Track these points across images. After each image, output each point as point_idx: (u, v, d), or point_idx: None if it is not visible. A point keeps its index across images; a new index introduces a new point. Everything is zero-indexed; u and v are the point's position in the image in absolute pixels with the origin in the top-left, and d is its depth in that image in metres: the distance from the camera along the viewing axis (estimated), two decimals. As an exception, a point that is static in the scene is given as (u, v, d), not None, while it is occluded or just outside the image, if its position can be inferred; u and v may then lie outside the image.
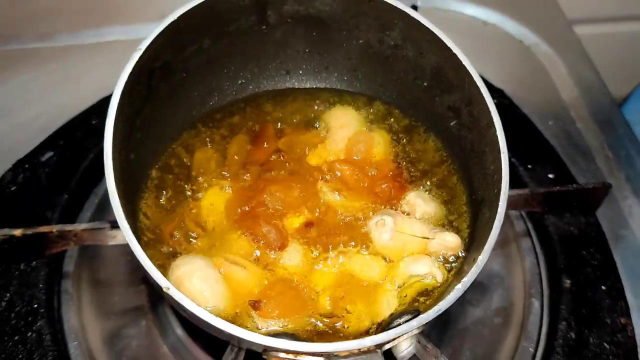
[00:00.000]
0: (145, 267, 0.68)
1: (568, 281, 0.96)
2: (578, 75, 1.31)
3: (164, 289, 0.66)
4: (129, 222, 0.70)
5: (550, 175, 1.09)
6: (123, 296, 0.97)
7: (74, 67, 1.27)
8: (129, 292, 0.98)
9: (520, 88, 1.26)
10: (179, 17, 0.82)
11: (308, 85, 1.05)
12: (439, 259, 0.84)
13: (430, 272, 0.83)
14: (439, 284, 0.82)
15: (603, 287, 0.96)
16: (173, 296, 0.66)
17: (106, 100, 1.13)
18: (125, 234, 0.70)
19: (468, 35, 1.38)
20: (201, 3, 0.83)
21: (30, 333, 0.86)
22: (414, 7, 1.20)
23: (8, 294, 0.89)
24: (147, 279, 0.97)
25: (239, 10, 0.90)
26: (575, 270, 0.97)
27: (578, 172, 1.13)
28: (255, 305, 0.78)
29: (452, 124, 0.93)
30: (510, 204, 0.95)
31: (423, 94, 0.95)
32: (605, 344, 0.89)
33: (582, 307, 0.93)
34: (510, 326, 0.96)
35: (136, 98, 0.81)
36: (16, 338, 0.85)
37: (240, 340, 0.67)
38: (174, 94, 0.91)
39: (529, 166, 1.09)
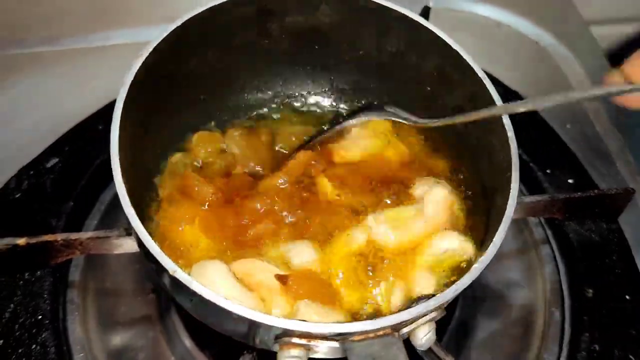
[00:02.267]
0: (153, 252, 0.66)
1: (590, 290, 0.92)
2: (596, 77, 1.27)
3: (171, 272, 0.64)
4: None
5: (570, 180, 1.06)
6: (130, 306, 0.95)
7: (80, 71, 1.24)
8: (136, 302, 0.95)
9: (537, 90, 1.23)
10: (180, 25, 0.83)
11: (312, 101, 1.05)
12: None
13: (459, 247, 0.81)
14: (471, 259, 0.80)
15: (627, 297, 0.92)
16: (181, 279, 0.64)
17: (112, 105, 1.12)
18: (131, 219, 0.69)
19: (482, 36, 1.35)
20: (203, 11, 0.84)
21: (34, 345, 0.83)
22: (427, 8, 1.17)
23: (12, 305, 0.87)
24: (155, 287, 0.95)
25: (241, 21, 0.90)
26: (598, 279, 0.94)
27: (598, 176, 1.09)
28: (282, 279, 0.76)
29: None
30: (530, 211, 0.92)
31: (428, 99, 0.94)
32: (632, 357, 0.86)
33: (605, 318, 0.90)
34: (531, 337, 0.93)
35: (142, 104, 0.81)
36: (20, 351, 0.83)
37: (254, 326, 0.65)
38: (179, 105, 0.91)
39: (548, 171, 1.06)
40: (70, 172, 1.02)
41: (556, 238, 1.03)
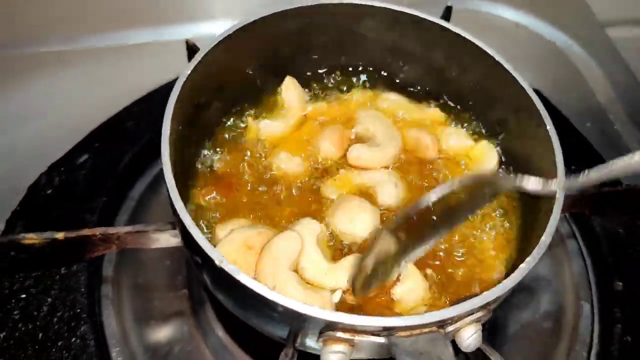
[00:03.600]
0: (199, 242, 0.66)
1: (620, 283, 0.94)
2: (613, 77, 1.29)
3: (217, 262, 0.64)
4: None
5: (595, 177, 1.07)
6: (163, 301, 0.95)
7: (104, 69, 1.25)
8: (169, 297, 0.95)
9: (556, 90, 1.24)
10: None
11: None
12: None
13: None
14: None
15: (656, 290, 0.94)
16: (226, 269, 0.63)
17: (138, 103, 1.14)
18: (179, 210, 0.68)
19: (500, 37, 1.35)
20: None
21: (74, 339, 0.84)
22: (449, 8, 1.18)
23: (49, 299, 0.87)
24: (189, 283, 0.95)
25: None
26: (626, 272, 0.95)
27: (621, 173, 1.10)
28: None
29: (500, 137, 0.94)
30: (560, 206, 0.93)
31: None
32: (664, 348, 0.87)
33: (636, 310, 0.91)
34: (561, 331, 0.94)
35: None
36: (60, 344, 0.83)
37: (298, 320, 0.65)
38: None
39: (573, 167, 1.07)
40: (100, 168, 1.03)
41: (582, 233, 1.04)
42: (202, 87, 0.85)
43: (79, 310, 0.86)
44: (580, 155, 1.11)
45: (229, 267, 0.64)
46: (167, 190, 0.69)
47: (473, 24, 1.34)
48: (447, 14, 1.18)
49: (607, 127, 1.21)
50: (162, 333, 0.92)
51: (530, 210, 0.83)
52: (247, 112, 0.95)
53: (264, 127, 0.92)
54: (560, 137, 1.08)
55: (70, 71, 1.24)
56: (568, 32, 1.37)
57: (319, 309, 0.63)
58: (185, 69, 0.81)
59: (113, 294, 0.93)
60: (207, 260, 0.65)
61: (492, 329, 0.94)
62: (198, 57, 0.83)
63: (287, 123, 0.93)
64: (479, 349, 0.78)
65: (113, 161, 1.04)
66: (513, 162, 0.91)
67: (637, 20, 1.48)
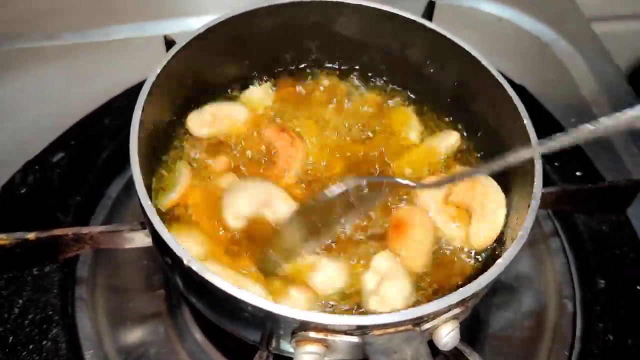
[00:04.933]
0: (167, 242, 0.64)
1: (602, 281, 0.93)
2: (598, 71, 1.28)
3: (185, 262, 0.63)
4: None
5: (578, 173, 1.06)
6: (139, 302, 0.93)
7: (82, 66, 1.23)
8: (145, 297, 0.94)
9: (540, 85, 1.23)
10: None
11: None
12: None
13: None
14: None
15: (638, 287, 0.93)
16: (195, 270, 0.62)
17: (116, 100, 1.12)
18: (147, 210, 0.67)
19: (484, 32, 1.36)
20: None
21: (45, 341, 0.82)
22: (432, 3, 1.17)
23: (21, 300, 0.85)
24: (165, 283, 0.94)
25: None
26: (609, 270, 0.94)
27: (604, 169, 1.09)
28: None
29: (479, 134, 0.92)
30: (540, 203, 0.91)
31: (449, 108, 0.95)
32: (646, 347, 0.86)
33: (618, 308, 0.90)
34: (543, 329, 0.93)
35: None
36: (31, 347, 0.81)
37: (270, 321, 0.63)
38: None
39: (556, 164, 1.06)
40: (76, 166, 1.01)
41: (565, 230, 1.03)
42: (176, 82, 0.84)
43: (51, 312, 0.85)
44: (563, 151, 1.09)
45: (196, 266, 0.62)
46: (135, 188, 0.68)
47: (456, 19, 1.35)
48: (429, 10, 1.17)
49: (592, 122, 1.19)
50: (138, 335, 0.90)
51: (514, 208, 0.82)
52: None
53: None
54: (543, 132, 1.07)
55: (49, 67, 1.22)
56: (553, 26, 1.36)
57: (289, 308, 0.61)
58: (157, 64, 0.79)
59: (87, 295, 0.91)
60: (176, 260, 0.64)
61: (474, 328, 0.93)
62: (171, 52, 0.82)
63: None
64: (457, 350, 0.77)
65: (89, 159, 1.02)
66: (491, 157, 0.89)
67: (622, 15, 1.48)
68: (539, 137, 0.78)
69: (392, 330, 0.63)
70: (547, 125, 1.14)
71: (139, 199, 0.68)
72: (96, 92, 1.13)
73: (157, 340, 0.89)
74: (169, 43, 1.02)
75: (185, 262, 0.63)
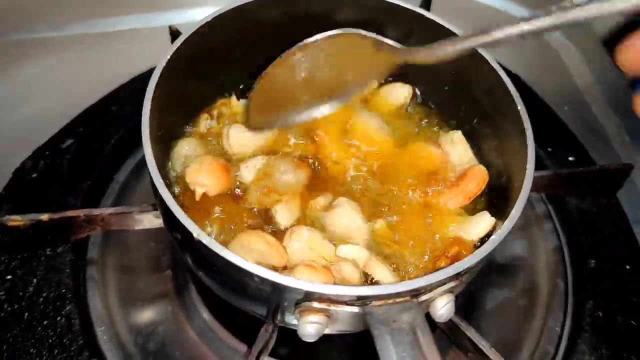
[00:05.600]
0: (177, 216, 0.67)
1: (593, 261, 0.96)
2: (592, 60, 1.31)
3: (195, 235, 0.65)
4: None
5: (571, 158, 1.09)
6: (148, 282, 0.97)
7: (88, 56, 1.25)
8: (153, 278, 0.97)
9: (534, 74, 1.26)
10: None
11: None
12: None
13: None
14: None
15: (627, 267, 0.96)
16: (205, 243, 0.64)
17: (123, 88, 1.15)
18: (158, 186, 0.69)
19: (480, 22, 1.38)
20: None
21: (59, 318, 0.85)
22: (428, -8, 1.20)
23: (35, 279, 0.89)
24: (173, 263, 0.97)
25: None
26: (599, 251, 0.98)
27: (597, 156, 1.13)
28: None
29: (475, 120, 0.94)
30: (534, 186, 0.95)
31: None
32: (634, 322, 0.90)
33: (608, 287, 0.94)
34: (536, 307, 0.97)
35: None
36: (45, 323, 0.85)
37: (275, 292, 0.66)
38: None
39: (549, 149, 1.10)
40: (85, 152, 1.04)
41: (558, 213, 1.07)
42: (184, 71, 0.87)
43: (64, 291, 0.88)
44: (556, 137, 1.13)
45: (206, 240, 0.65)
46: (147, 167, 0.71)
47: (454, 8, 1.37)
48: (427, 0, 1.20)
49: (585, 110, 1.23)
50: (147, 313, 0.93)
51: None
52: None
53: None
54: (537, 120, 1.10)
55: (56, 57, 1.25)
56: (548, 17, 1.39)
57: (294, 279, 0.64)
58: (165, 53, 0.82)
59: (98, 275, 0.95)
60: (186, 235, 0.67)
61: (469, 306, 0.96)
62: (178, 42, 0.84)
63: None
64: (454, 324, 0.81)
65: (98, 145, 1.06)
66: (486, 145, 0.92)
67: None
68: (533, 125, 0.82)
69: (390, 301, 0.66)
70: (540, 113, 1.18)
71: (150, 174, 0.70)
72: (103, 82, 1.16)
73: (165, 319, 0.93)
74: (174, 33, 1.05)
75: (195, 235, 0.65)
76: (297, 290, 0.64)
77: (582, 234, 1.00)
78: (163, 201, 0.68)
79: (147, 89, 0.76)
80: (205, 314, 0.94)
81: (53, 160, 1.03)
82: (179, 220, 0.66)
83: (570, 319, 0.94)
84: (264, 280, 0.64)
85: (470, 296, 0.97)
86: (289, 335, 0.74)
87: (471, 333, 0.81)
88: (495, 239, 0.70)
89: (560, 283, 0.98)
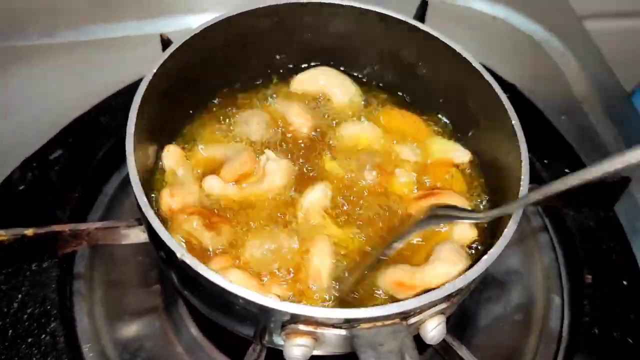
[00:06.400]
0: (161, 236, 0.66)
1: (589, 276, 0.95)
2: (589, 70, 1.30)
3: (179, 255, 0.64)
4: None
5: (567, 170, 1.08)
6: (136, 297, 0.95)
7: (79, 64, 1.24)
8: (141, 293, 0.96)
9: (531, 83, 1.24)
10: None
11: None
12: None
13: None
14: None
15: (624, 282, 0.95)
16: (189, 263, 0.63)
17: (113, 98, 1.13)
18: (142, 205, 0.68)
19: (477, 30, 1.37)
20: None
21: (44, 335, 0.84)
22: (425, 3, 1.18)
23: (20, 295, 0.87)
24: (161, 278, 0.95)
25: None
26: (596, 265, 0.96)
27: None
28: None
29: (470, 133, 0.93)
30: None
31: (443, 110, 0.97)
32: (630, 340, 0.88)
33: (604, 303, 0.92)
34: (531, 322, 0.95)
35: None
36: (29, 340, 0.83)
37: (261, 314, 0.65)
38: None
39: (545, 161, 1.08)
40: (73, 163, 1.03)
41: (554, 226, 1.05)
42: (173, 82, 0.85)
43: (49, 307, 0.86)
44: (553, 148, 1.12)
45: (190, 260, 0.64)
46: (131, 185, 0.69)
47: (450, 17, 1.36)
48: (422, 10, 1.18)
49: (582, 120, 1.21)
50: (134, 329, 0.92)
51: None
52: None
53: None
54: (534, 130, 1.08)
55: (46, 65, 1.23)
56: (545, 25, 1.38)
57: (279, 301, 0.63)
58: (154, 63, 0.81)
59: (85, 289, 0.93)
60: (170, 255, 0.65)
61: (463, 322, 0.95)
62: (168, 52, 0.83)
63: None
64: (446, 343, 0.79)
65: (87, 156, 1.04)
66: (481, 159, 0.90)
67: (614, 13, 1.49)
68: (528, 135, 0.80)
69: (379, 324, 0.64)
70: (536, 124, 1.16)
71: (134, 194, 0.69)
72: (93, 90, 1.14)
73: (153, 335, 0.91)
74: (164, 42, 1.04)
75: (178, 255, 0.64)
76: (282, 312, 0.63)
77: (579, 247, 0.99)
78: (147, 220, 0.67)
79: (131, 106, 0.75)
80: (194, 330, 0.92)
81: (41, 171, 1.01)
82: (163, 241, 0.65)
83: (567, 335, 0.92)
84: (249, 302, 0.62)
85: (463, 311, 0.96)
86: (278, 354, 0.73)
87: (463, 353, 0.79)
88: (487, 259, 0.68)
89: (556, 298, 0.97)
